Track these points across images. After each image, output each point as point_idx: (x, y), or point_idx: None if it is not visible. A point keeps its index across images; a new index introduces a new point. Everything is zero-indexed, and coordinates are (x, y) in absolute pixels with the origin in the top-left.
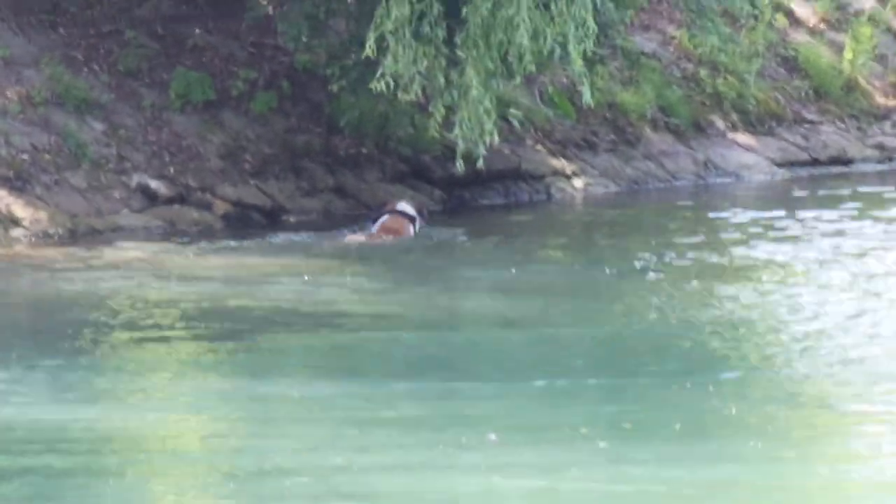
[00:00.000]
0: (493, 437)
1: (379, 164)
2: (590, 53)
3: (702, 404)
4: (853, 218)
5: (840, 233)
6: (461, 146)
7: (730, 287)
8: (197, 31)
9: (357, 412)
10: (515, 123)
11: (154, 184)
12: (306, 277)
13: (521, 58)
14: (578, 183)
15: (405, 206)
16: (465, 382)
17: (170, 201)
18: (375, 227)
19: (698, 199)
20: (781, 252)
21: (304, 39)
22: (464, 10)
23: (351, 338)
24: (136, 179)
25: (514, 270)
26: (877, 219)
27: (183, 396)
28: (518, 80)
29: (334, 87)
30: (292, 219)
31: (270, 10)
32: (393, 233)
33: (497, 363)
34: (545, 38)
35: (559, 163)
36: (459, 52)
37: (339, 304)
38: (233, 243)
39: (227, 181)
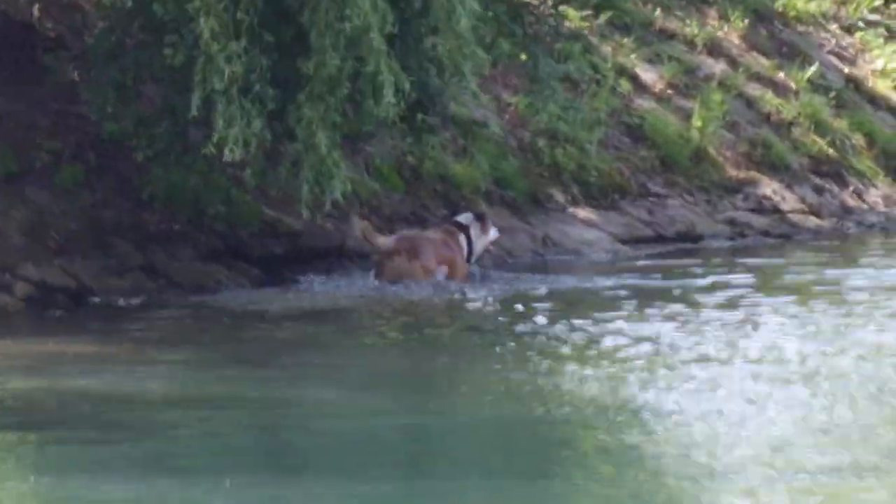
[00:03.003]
0: None
1: (192, 241)
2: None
3: None
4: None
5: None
6: (307, 213)
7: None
8: None
9: None
10: (339, 196)
11: None
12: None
13: (382, 111)
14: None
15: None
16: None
17: None
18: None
19: (534, 278)
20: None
21: (110, 109)
22: (308, 64)
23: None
24: None
25: (343, 356)
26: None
27: None
28: (370, 127)
29: (139, 156)
30: (98, 300)
31: (76, 75)
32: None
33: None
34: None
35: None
36: (304, 110)
37: (149, 390)
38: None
39: (29, 260)
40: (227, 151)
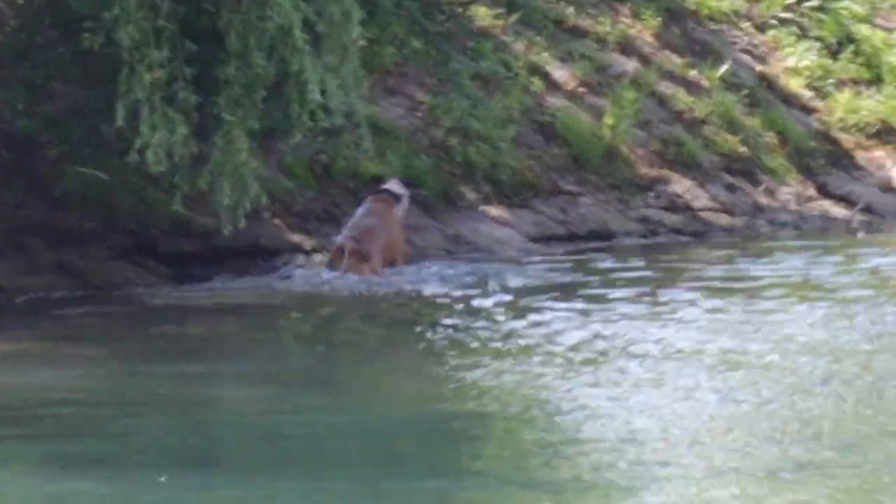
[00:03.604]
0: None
1: (104, 240)
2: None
3: None
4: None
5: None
6: (226, 214)
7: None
8: None
9: None
10: (251, 205)
11: None
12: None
13: (304, 114)
14: (320, 258)
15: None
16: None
17: None
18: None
19: (446, 277)
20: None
21: (21, 107)
22: (226, 70)
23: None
24: None
25: (257, 355)
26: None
27: None
28: (297, 138)
29: (52, 153)
30: (17, 300)
31: None
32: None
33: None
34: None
35: (299, 237)
36: (223, 115)
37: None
38: None
39: None
40: (150, 157)
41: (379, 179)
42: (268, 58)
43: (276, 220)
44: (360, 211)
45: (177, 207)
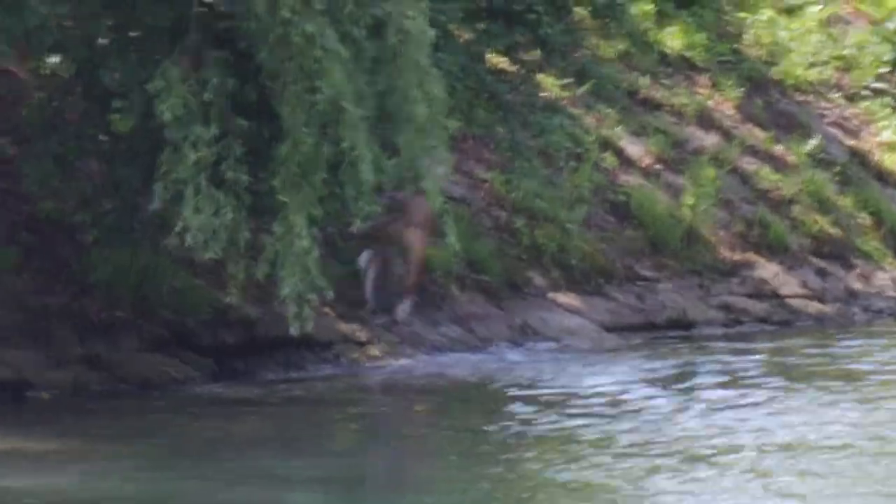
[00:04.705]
0: None
1: (136, 330)
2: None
3: None
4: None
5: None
6: (292, 309)
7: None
8: None
9: None
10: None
11: None
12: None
13: (361, 197)
14: (374, 351)
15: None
16: None
17: None
18: None
19: (514, 372)
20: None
21: (53, 182)
22: (280, 148)
23: None
24: None
25: (302, 457)
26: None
27: None
28: (358, 223)
29: (89, 238)
30: (45, 394)
31: (10, 149)
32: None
33: None
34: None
35: (350, 328)
36: (279, 197)
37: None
38: None
39: None
40: (190, 241)
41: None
42: (321, 135)
43: (326, 309)
44: None
45: (231, 299)
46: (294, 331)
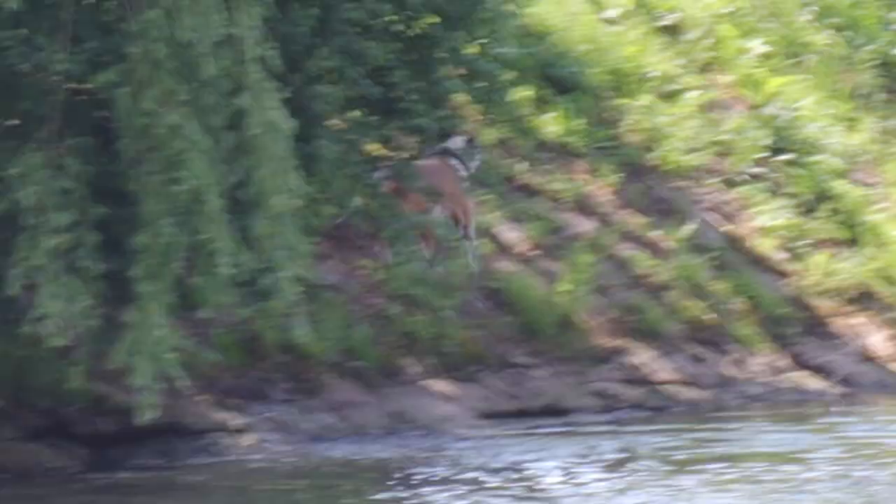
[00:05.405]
0: None
1: (14, 420)
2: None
3: None
4: None
5: None
6: (143, 397)
7: None
8: None
9: None
10: (174, 370)
11: None
12: None
13: (216, 288)
14: (247, 439)
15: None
16: None
17: None
18: None
19: (388, 458)
20: None
21: None
22: (139, 237)
23: None
24: None
25: None
26: None
27: None
28: (210, 313)
29: None
30: None
31: None
32: None
33: None
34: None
35: (224, 416)
36: (138, 287)
37: None
38: None
39: None
40: (43, 330)
41: None
42: (180, 225)
43: (200, 397)
44: None
45: (77, 384)
46: (143, 418)
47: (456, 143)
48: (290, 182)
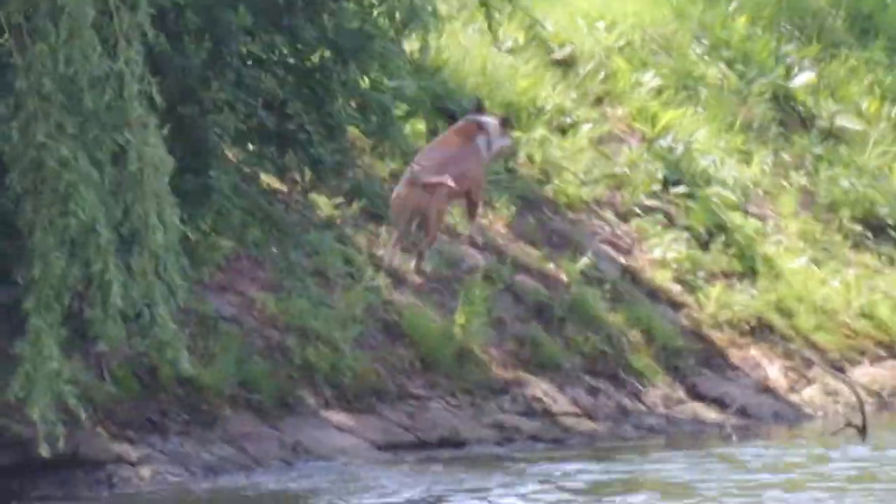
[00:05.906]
0: None
1: None
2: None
3: None
4: None
5: None
6: (44, 429)
7: None
8: None
9: None
10: (71, 402)
11: None
12: None
13: (108, 320)
14: (146, 471)
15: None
16: None
17: None
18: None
19: (285, 491)
20: None
21: None
22: (32, 270)
23: None
24: None
25: None
26: None
27: None
28: (102, 346)
29: None
30: None
31: None
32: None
33: None
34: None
35: (122, 448)
36: (30, 320)
37: None
38: None
39: None
40: None
41: None
42: (71, 257)
43: (98, 429)
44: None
45: None
46: (43, 452)
47: (489, 122)
48: (168, 219)
